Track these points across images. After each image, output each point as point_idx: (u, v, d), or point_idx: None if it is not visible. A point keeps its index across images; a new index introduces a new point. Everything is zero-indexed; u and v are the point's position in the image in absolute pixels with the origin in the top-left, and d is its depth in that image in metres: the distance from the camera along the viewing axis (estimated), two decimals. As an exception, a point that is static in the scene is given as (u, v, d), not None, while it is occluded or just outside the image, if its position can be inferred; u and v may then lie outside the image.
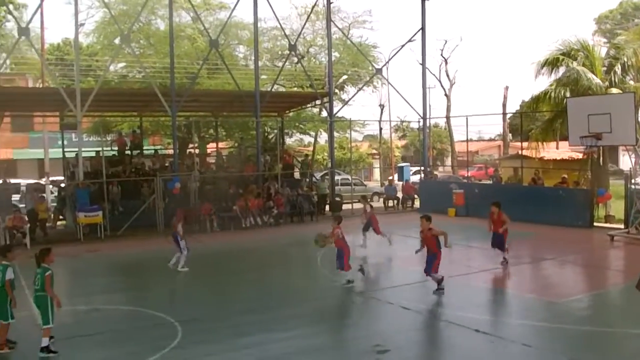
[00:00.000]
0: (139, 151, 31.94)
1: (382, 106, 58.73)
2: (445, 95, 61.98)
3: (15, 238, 22.75)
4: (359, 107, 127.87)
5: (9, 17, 41.94)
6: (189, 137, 38.05)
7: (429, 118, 37.36)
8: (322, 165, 54.59)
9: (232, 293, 15.06)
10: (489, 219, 17.19)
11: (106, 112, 35.56)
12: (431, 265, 13.83)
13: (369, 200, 24.82)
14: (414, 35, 34.12)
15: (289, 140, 46.81)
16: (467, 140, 37.31)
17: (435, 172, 47.39)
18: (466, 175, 39.74)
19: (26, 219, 24.13)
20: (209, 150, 36.83)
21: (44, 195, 29.32)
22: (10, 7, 36.60)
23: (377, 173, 63.92)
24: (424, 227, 14.00)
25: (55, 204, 29.71)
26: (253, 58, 35.87)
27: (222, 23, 37.33)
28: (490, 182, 35.19)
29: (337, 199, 33.21)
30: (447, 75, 62.12)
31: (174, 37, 29.85)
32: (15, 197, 29.70)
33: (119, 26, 32.59)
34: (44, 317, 10.71)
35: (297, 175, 35.30)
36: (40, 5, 29.29)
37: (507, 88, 58.63)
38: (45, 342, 10.64)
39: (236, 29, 43.01)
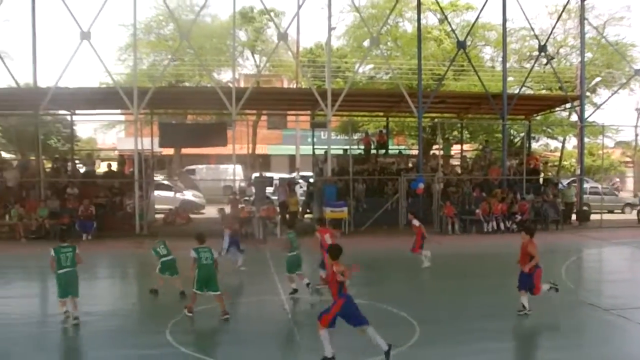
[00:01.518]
0: (384, 151, 32.59)
1: (638, 110, 54.64)
2: None
3: (267, 227, 24.34)
4: (612, 111, 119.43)
5: (270, 24, 44.90)
6: (434, 138, 38.14)
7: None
8: (569, 172, 51.98)
9: (470, 297, 14.77)
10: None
11: (354, 112, 36.72)
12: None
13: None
14: (681, 33, 31.24)
15: (534, 145, 45.14)
16: None
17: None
18: None
19: (278, 210, 25.73)
20: (452, 152, 36.61)
21: (296, 188, 30.89)
22: (272, 14, 39.16)
23: (630, 183, 59.56)
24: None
25: (304, 198, 31.26)
26: (500, 59, 35.15)
27: (469, 24, 37.00)
28: None
29: (585, 208, 31.39)
30: None
31: (421, 38, 30.11)
32: (269, 190, 31.72)
33: (368, 29, 33.58)
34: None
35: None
36: (297, 13, 31.06)
37: None
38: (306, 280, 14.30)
39: (483, 30, 42.38)
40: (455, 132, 40.72)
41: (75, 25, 25.80)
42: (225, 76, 48.04)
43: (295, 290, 14.32)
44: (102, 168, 32.96)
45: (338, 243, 10.87)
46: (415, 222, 18.72)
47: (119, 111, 36.28)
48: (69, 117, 34.78)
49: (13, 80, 28.17)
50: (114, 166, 30.14)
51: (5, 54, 30.81)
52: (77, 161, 32.08)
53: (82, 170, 29.91)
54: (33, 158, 29.34)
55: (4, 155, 34.21)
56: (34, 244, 22.59)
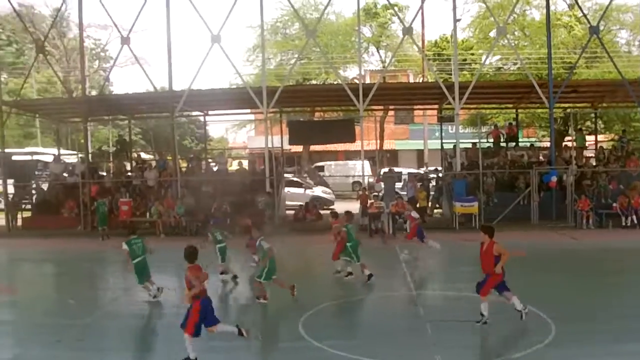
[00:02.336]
0: (514, 143, 31.84)
1: None
2: None
3: (397, 223, 24.37)
4: None
5: (394, 18, 44.86)
6: (566, 129, 36.85)
7: None
8: None
9: (608, 295, 14.13)
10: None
11: (482, 104, 36.07)
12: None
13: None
14: None
15: (678, 133, 42.64)
16: None
17: None
18: None
19: (408, 205, 25.63)
20: (586, 144, 35.24)
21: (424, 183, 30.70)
22: (395, 9, 39.08)
23: None
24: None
25: (433, 193, 31.02)
26: (637, 43, 33.44)
27: (602, 7, 35.40)
28: None
29: None
30: None
31: (550, 26, 29.15)
32: (398, 185, 31.69)
33: (495, 19, 32.83)
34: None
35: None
36: (421, 6, 30.89)
37: None
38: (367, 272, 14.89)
39: (618, 13, 40.42)
40: (589, 123, 39.14)
41: (206, 30, 26.85)
42: (351, 73, 48.55)
43: (350, 273, 15.49)
44: (233, 166, 34.08)
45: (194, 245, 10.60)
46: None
47: (248, 110, 37.38)
48: (202, 118, 36.18)
49: (151, 84, 29.65)
50: (245, 164, 31.06)
51: (143, 60, 32.46)
52: (210, 160, 33.31)
53: (215, 168, 31.01)
54: (170, 158, 30.73)
55: (144, 156, 36.01)
56: (172, 239, 23.73)
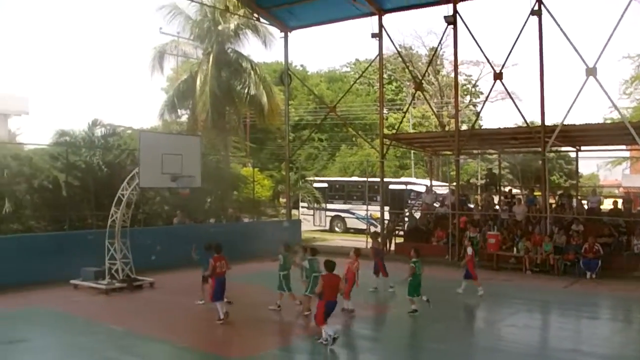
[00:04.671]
0: None
1: None
2: None
3: None
4: None
5: None
6: None
7: None
8: None
9: None
10: None
11: None
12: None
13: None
14: None
15: None
16: None
17: None
18: None
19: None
20: None
21: None
22: None
23: None
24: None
25: None
26: None
27: None
28: None
29: None
30: None
31: None
32: None
33: None
34: None
35: None
36: None
37: None
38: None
39: None
40: None
41: (579, 62, 25.61)
42: None
43: (415, 311, 15.39)
44: (606, 205, 32.27)
45: None
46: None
47: (624, 147, 35.14)
48: (572, 154, 34.90)
49: (522, 119, 29.57)
50: (620, 204, 29.19)
51: (514, 94, 32.53)
52: (580, 197, 31.93)
53: (587, 207, 29.59)
54: (539, 193, 30.16)
55: (514, 191, 35.91)
56: (537, 277, 23.28)
